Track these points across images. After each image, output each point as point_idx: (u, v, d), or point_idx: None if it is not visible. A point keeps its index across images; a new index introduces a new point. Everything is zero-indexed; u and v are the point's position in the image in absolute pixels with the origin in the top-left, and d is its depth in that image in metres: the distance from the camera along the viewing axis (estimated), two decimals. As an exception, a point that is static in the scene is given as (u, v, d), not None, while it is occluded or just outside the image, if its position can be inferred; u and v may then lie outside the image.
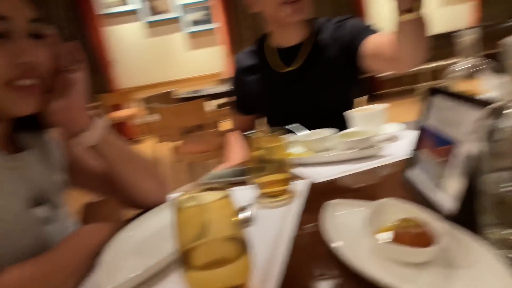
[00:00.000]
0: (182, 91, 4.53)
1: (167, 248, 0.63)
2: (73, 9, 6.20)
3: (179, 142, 3.22)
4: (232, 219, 0.51)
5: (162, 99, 4.10)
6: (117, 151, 0.83)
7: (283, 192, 0.86)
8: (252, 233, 0.68)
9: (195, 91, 3.98)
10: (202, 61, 6.84)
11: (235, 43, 6.72)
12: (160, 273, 0.63)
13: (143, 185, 0.88)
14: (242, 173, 1.02)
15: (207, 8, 6.68)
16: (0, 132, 0.74)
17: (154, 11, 6.62)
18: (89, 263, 0.67)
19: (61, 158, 0.88)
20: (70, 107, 0.76)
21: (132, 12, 6.57)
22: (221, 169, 1.20)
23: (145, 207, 0.88)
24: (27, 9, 0.68)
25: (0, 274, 0.59)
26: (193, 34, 6.76)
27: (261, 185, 0.86)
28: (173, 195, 0.93)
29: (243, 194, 0.87)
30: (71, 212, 0.88)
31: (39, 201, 0.76)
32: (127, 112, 6.09)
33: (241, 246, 0.52)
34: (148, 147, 4.74)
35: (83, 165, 0.91)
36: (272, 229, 0.72)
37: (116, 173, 0.85)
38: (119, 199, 0.88)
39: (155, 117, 3.10)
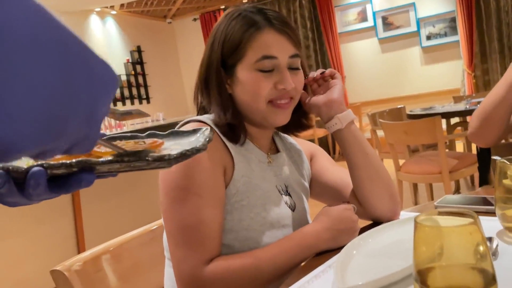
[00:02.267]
0: (414, 107, 4.39)
1: (401, 264, 0.65)
2: (318, 30, 6.80)
3: (406, 160, 3.14)
4: (480, 248, 0.50)
5: (392, 115, 4.07)
6: (355, 141, 0.95)
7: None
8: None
9: (427, 108, 3.80)
10: (437, 76, 6.47)
11: (476, 57, 6.16)
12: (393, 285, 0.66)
13: (373, 186, 0.94)
14: (483, 202, 0.95)
15: (446, 21, 6.30)
16: (266, 137, 0.97)
17: (390, 27, 6.61)
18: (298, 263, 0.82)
19: (307, 169, 1.05)
20: (329, 99, 0.94)
21: (369, 28, 6.73)
22: (459, 194, 1.13)
23: (374, 216, 0.95)
24: (289, 49, 0.87)
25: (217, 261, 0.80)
26: (429, 48, 6.46)
27: (506, 218, 0.79)
28: (408, 213, 0.94)
29: (483, 225, 0.82)
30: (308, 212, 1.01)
31: (284, 192, 0.95)
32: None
33: (486, 279, 0.50)
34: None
35: (321, 178, 1.05)
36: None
37: (350, 166, 0.95)
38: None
39: (383, 132, 3.10)
